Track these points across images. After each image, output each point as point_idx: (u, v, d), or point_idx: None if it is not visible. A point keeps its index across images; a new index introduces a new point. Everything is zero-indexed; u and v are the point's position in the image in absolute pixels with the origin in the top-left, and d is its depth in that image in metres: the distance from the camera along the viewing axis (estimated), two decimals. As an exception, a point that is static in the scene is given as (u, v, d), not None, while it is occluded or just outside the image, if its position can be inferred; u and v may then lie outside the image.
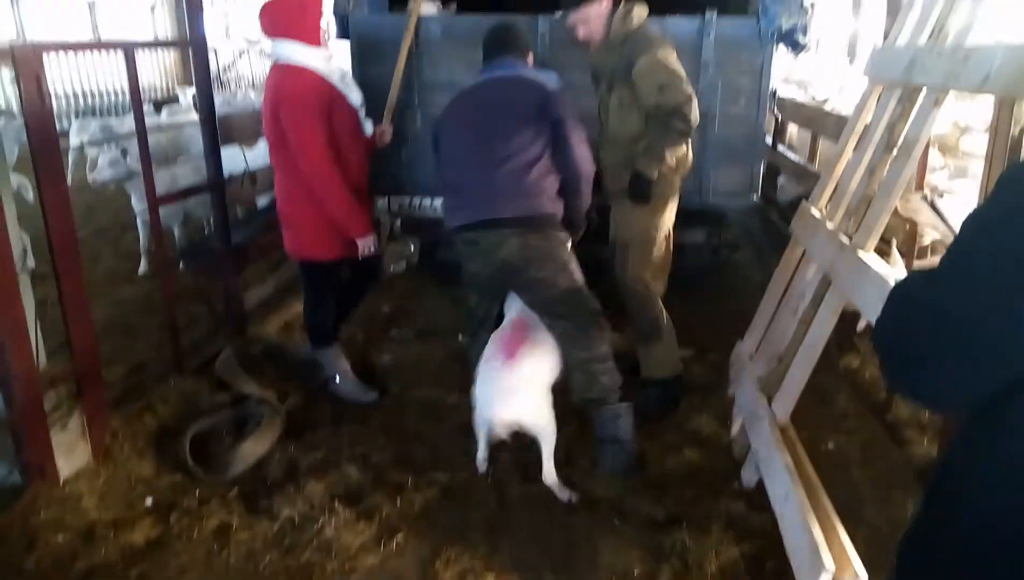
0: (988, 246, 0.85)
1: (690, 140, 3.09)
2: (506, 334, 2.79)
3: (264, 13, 2.90)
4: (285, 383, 3.43)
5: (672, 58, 2.90)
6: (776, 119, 5.11)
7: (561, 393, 2.78)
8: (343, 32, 3.98)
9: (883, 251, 3.38)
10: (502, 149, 2.72)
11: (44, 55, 2.42)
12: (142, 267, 5.10)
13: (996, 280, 0.82)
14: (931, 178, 4.02)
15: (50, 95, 2.46)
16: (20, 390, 2.44)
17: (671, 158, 2.95)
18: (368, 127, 3.21)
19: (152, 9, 14.62)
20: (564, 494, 2.64)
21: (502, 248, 2.74)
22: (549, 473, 2.65)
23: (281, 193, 3.12)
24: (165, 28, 15.07)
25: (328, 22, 4.29)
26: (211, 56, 11.29)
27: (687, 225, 3.82)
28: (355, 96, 3.07)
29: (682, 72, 2.89)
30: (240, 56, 17.01)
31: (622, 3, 3.03)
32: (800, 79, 9.41)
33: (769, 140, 5.03)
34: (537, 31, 3.80)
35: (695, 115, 2.85)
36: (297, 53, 2.87)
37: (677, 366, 3.28)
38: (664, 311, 3.21)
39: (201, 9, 3.41)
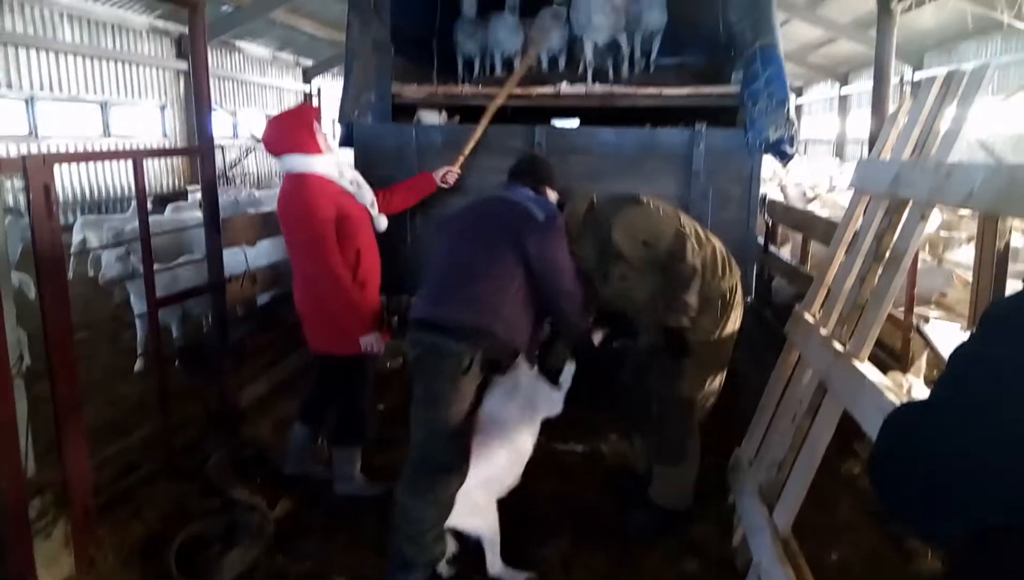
0: (978, 387, 0.87)
1: (719, 246, 3.00)
2: None
3: (265, 138, 3.09)
4: (276, 488, 3.36)
5: (639, 213, 2.86)
6: (767, 223, 5.22)
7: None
8: (347, 140, 4.12)
9: (886, 362, 3.40)
10: (468, 257, 2.72)
11: (55, 166, 2.49)
12: (138, 365, 5.08)
13: (988, 422, 0.83)
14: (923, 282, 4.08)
15: (58, 203, 2.52)
16: (5, 500, 2.38)
17: (694, 298, 2.78)
18: (382, 223, 3.36)
19: (162, 108, 15.12)
20: (519, 576, 2.68)
21: (413, 349, 2.65)
22: (492, 564, 2.67)
23: (304, 292, 3.19)
24: (175, 125, 15.54)
25: (333, 124, 4.48)
26: (218, 153, 11.55)
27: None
28: (366, 196, 3.22)
29: (657, 216, 2.85)
30: (246, 154, 17.53)
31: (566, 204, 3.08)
32: (796, 181, 9.71)
33: (762, 241, 5.13)
34: (534, 139, 3.95)
35: (690, 250, 2.75)
36: (301, 163, 3.00)
37: (688, 499, 3.06)
38: (696, 437, 3.02)
39: (210, 115, 3.53)
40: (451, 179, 3.73)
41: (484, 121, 3.89)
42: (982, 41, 14.05)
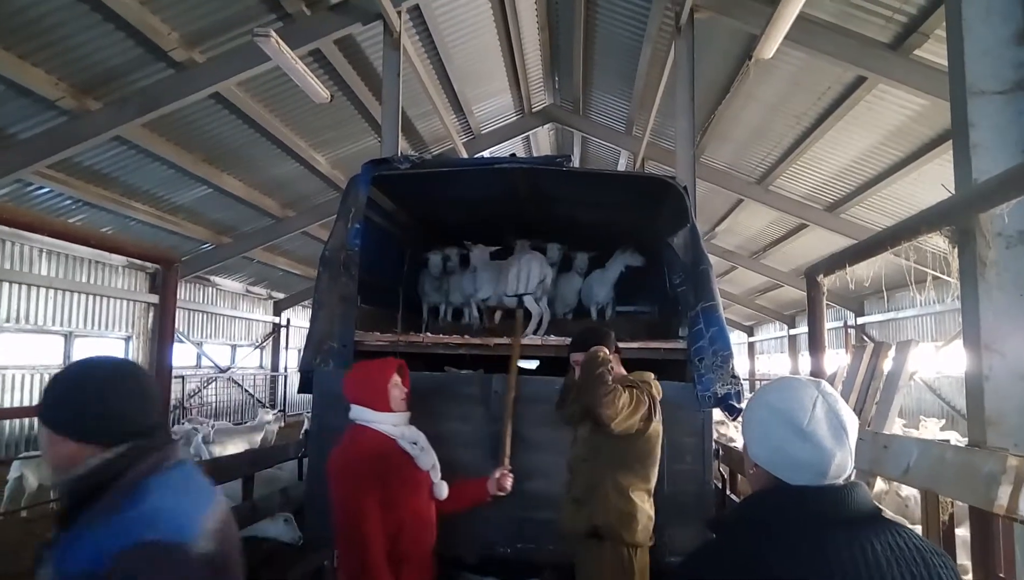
0: None
1: None
2: None
3: (344, 382, 3.19)
4: None
5: None
6: (722, 474, 5.23)
7: None
8: (306, 386, 4.16)
9: None
10: None
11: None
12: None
13: None
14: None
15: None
16: None
17: None
18: (442, 490, 3.21)
19: (127, 340, 15.21)
20: None
21: None
22: None
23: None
24: (137, 356, 15.49)
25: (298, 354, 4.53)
26: (178, 383, 11.49)
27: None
28: (425, 460, 3.15)
29: None
30: (207, 385, 17.46)
31: None
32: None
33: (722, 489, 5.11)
34: (491, 386, 4.02)
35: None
36: (363, 415, 3.07)
37: None
38: None
39: (170, 373, 3.57)
40: (507, 483, 3.51)
41: (508, 407, 3.87)
42: (917, 288, 15.15)
